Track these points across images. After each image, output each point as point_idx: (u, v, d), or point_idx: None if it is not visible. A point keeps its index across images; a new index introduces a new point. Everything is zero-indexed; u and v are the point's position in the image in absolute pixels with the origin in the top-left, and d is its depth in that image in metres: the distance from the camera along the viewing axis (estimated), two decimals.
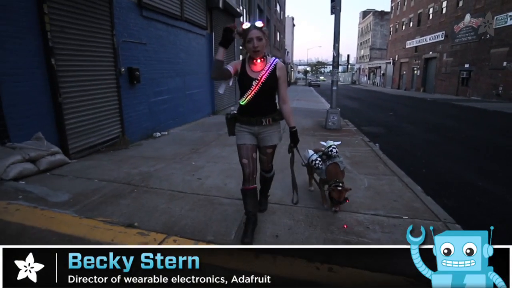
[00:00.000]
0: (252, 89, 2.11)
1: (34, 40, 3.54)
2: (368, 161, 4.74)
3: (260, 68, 2.13)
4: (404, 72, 36.44)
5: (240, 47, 14.64)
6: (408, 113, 13.27)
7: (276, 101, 2.30)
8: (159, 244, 2.13)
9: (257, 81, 2.10)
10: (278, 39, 32.74)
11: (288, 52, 47.57)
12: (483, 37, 21.33)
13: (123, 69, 5.22)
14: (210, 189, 3.22)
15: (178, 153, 4.83)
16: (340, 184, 2.61)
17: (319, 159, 2.86)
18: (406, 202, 3.18)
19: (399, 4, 38.98)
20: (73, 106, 4.13)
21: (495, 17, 19.99)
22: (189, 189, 3.18)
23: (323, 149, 2.96)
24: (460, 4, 24.55)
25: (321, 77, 69.22)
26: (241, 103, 2.17)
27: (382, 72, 45.35)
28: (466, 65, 23.44)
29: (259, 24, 2.06)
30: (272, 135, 2.27)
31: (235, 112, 2.28)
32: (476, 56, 22.15)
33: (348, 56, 44.81)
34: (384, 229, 2.55)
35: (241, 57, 7.46)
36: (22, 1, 3.37)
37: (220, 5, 9.49)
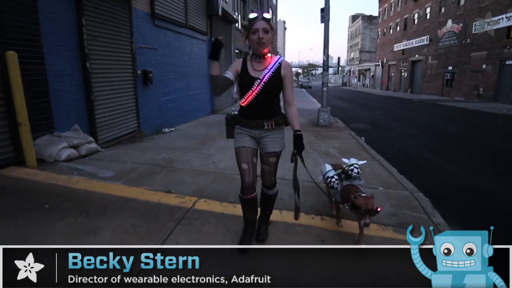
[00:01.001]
0: (254, 89, 1.92)
1: (74, 47, 4.21)
2: (354, 150, 5.53)
3: (263, 67, 1.95)
4: (393, 74, 37.73)
5: (236, 51, 15.39)
6: (394, 112, 14.22)
7: (281, 103, 2.11)
8: (193, 204, 2.83)
9: (259, 81, 1.91)
10: (272, 39, 33.71)
11: (280, 54, 48.61)
12: (463, 41, 22.60)
13: (139, 72, 5.90)
14: (224, 169, 3.94)
15: (189, 144, 5.52)
16: (363, 191, 2.22)
17: (336, 177, 2.43)
18: (382, 179, 3.96)
19: (386, 9, 40.40)
20: (102, 103, 4.80)
21: (474, 23, 21.26)
22: (207, 169, 3.90)
23: (344, 166, 2.53)
24: (443, 10, 25.87)
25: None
26: (242, 105, 2.00)
27: (371, 74, 46.57)
28: (450, 68, 24.70)
29: (267, 15, 1.89)
30: (275, 141, 2.03)
31: (236, 113, 2.09)
32: (458, 59, 23.42)
33: (339, 58, 45.78)
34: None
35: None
36: (67, 16, 4.04)
37: (219, 13, 10.22)
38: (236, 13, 14.82)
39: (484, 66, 20.53)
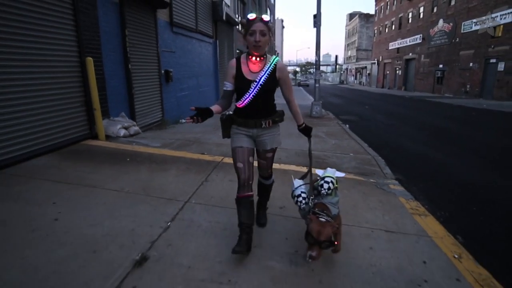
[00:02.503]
0: (250, 92, 1.94)
1: (120, 53, 5.52)
2: (338, 134, 6.87)
3: (259, 68, 1.96)
4: (388, 72, 38.93)
5: (237, 50, 16.68)
6: (382, 107, 15.56)
7: (275, 101, 2.14)
8: (221, 159, 4.14)
9: (256, 84, 1.93)
10: (269, 42, 34.90)
11: (278, 53, 49.88)
12: (453, 40, 23.90)
13: (162, 71, 7.21)
14: None
15: (205, 130, 6.82)
16: (324, 215, 1.83)
17: (304, 195, 2.05)
18: (355, 149, 5.31)
19: (382, 8, 41.53)
20: (139, 96, 6.12)
21: (462, 23, 22.55)
22: (226, 142, 5.21)
23: (318, 179, 2.13)
24: (435, 10, 27.11)
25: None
26: (238, 106, 2.01)
27: (368, 72, 47.62)
28: (440, 66, 25.96)
29: (266, 17, 1.89)
30: (272, 138, 2.11)
31: (231, 112, 2.10)
32: (448, 58, 24.69)
33: (336, 56, 46.63)
34: (338, 158, 4.67)
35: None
36: (116, 29, 5.35)
37: (224, 18, 11.52)
38: (237, 15, 16.12)
39: (471, 64, 21.79)
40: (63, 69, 4.15)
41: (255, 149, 2.17)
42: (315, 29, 9.48)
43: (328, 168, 2.24)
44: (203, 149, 4.63)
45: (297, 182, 2.15)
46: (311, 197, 2.00)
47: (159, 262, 1.97)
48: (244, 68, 1.98)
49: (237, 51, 16.34)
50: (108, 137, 4.76)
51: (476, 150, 6.11)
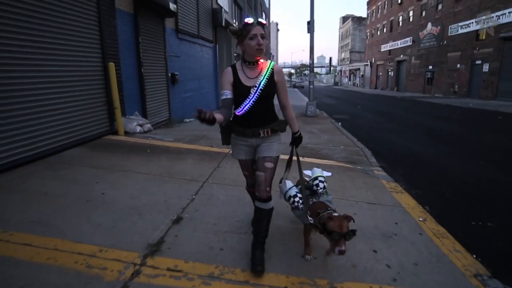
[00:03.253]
0: (250, 98, 1.89)
1: (134, 58, 6.11)
2: (331, 130, 7.53)
3: (257, 74, 1.93)
4: (380, 73, 39.93)
5: (235, 54, 17.33)
6: (373, 107, 16.32)
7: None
8: (228, 152, 4.74)
9: (255, 89, 1.89)
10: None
11: (273, 56, 50.65)
12: (441, 43, 24.86)
13: (169, 74, 7.80)
14: None
15: (210, 128, 7.34)
16: (334, 211, 1.90)
17: (299, 195, 2.07)
18: (345, 143, 5.97)
19: (374, 11, 42.62)
20: (150, 97, 6.71)
21: (449, 26, 23.52)
22: None
23: (308, 180, 2.23)
24: (423, 14, 28.12)
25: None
26: (237, 114, 1.94)
27: (361, 73, 48.65)
28: (430, 67, 26.92)
29: (263, 20, 1.84)
30: (271, 146, 2.01)
31: (230, 120, 2.03)
32: (437, 59, 25.66)
33: (331, 58, 47.43)
34: (330, 150, 5.31)
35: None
36: (131, 36, 5.94)
37: (223, 24, 12.15)
38: (234, 21, 16.77)
39: (458, 65, 22.75)
40: (90, 73, 4.74)
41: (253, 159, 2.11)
42: (309, 34, 10.16)
43: (315, 168, 2.29)
44: (211, 143, 5.23)
45: (289, 183, 2.15)
46: (309, 196, 2.09)
47: (191, 221, 2.58)
48: (241, 75, 1.93)
49: (235, 54, 16.98)
50: (126, 133, 5.33)
51: (453, 143, 6.82)
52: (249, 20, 1.83)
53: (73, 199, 2.82)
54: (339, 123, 8.75)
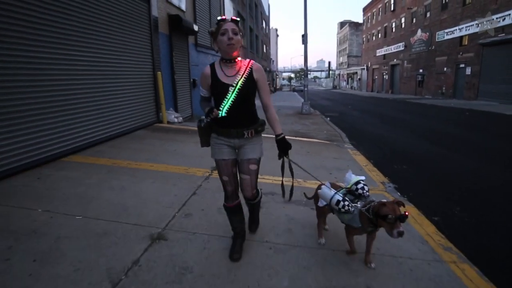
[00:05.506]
0: (229, 96, 1.85)
1: (169, 67, 8.14)
2: (319, 123, 9.53)
3: (235, 72, 1.89)
4: (376, 77, 41.81)
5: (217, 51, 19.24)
6: (363, 107, 18.28)
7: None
8: None
9: (233, 87, 1.85)
10: (265, 51, 37.78)
11: (273, 61, 52.51)
12: (430, 48, 26.87)
13: (191, 80, 9.84)
14: None
15: None
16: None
17: (347, 198, 2.05)
18: (328, 131, 7.96)
19: (369, 17, 44.67)
20: (180, 97, 8.74)
21: (437, 33, 25.54)
22: None
23: (345, 185, 2.22)
24: (414, 21, 30.16)
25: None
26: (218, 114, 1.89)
27: (358, 77, 50.44)
28: (420, 70, 28.84)
29: (235, 18, 1.84)
30: (255, 147, 1.99)
31: (208, 120, 1.95)
32: (427, 63, 27.59)
33: (329, 63, 49.03)
34: (316, 133, 7.31)
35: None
36: (167, 52, 7.98)
37: None
38: None
39: (445, 69, 24.67)
40: (145, 79, 6.75)
41: (236, 160, 2.05)
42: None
43: (348, 174, 2.25)
44: None
45: (327, 189, 2.11)
46: (356, 200, 2.08)
47: None
48: (219, 72, 1.91)
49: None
50: (168, 122, 7.34)
51: (411, 130, 8.77)
52: (221, 17, 1.86)
53: (160, 151, 4.81)
54: (328, 118, 10.75)
